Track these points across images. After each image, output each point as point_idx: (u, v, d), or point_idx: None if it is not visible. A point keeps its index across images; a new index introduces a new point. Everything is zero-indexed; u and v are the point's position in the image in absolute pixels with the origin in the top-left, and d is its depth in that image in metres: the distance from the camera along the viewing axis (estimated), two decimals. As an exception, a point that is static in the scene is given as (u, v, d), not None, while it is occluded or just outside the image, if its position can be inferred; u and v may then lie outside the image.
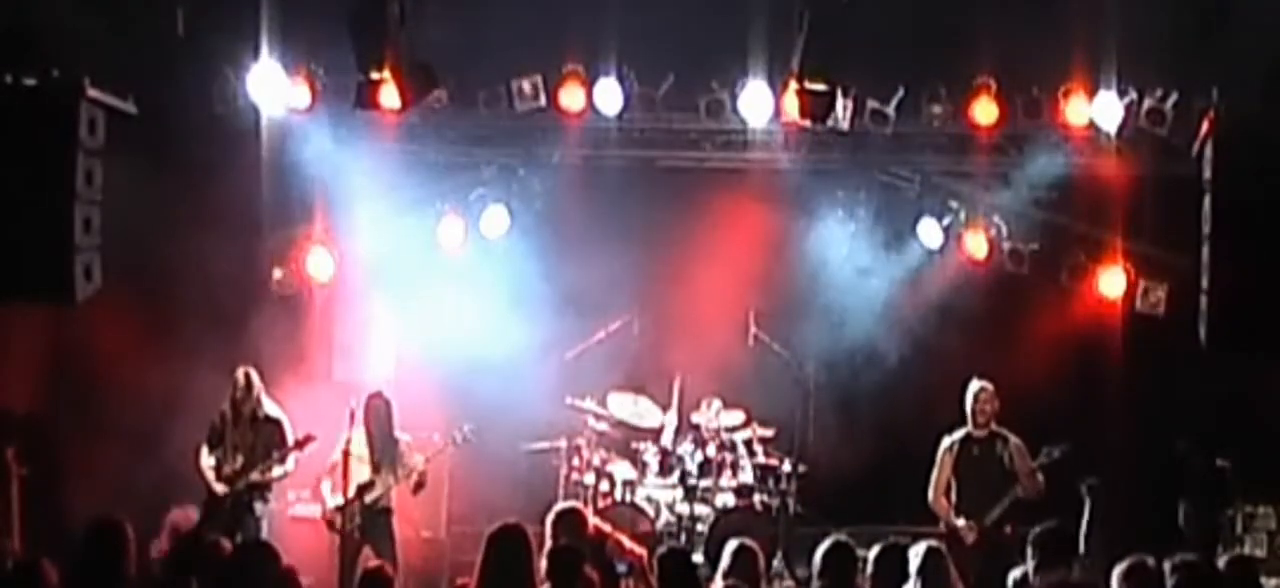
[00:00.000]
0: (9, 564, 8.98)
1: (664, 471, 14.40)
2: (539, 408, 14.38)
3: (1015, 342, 14.22)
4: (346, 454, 12.66)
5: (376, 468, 12.91)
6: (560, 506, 10.76)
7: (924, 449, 13.17)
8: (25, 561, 8.62)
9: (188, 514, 11.47)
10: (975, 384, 13.02)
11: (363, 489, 12.83)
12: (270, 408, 13.05)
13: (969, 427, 13.00)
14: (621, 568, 11.12)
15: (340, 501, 12.66)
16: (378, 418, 12.96)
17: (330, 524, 12.89)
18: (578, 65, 13.57)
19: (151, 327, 13.23)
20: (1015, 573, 9.57)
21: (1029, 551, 9.57)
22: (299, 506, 13.61)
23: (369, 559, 12.76)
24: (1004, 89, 13.60)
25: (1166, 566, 8.57)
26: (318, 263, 14.56)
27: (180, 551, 9.40)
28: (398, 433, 13.04)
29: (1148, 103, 13.53)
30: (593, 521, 11.38)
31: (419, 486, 13.05)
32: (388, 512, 12.99)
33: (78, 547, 8.65)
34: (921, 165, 14.65)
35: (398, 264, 14.56)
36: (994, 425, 12.95)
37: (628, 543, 12.24)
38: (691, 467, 14.30)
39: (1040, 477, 12.73)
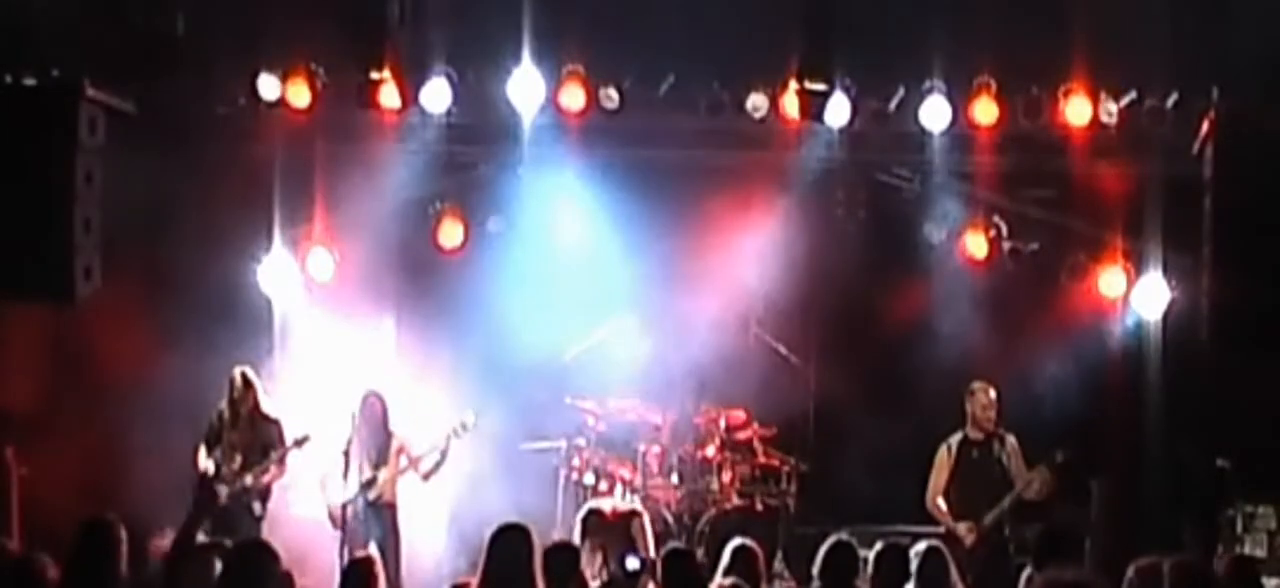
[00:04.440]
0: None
1: (664, 471, 14.40)
2: (539, 408, 14.37)
3: (1015, 342, 14.20)
4: (347, 453, 12.73)
5: (375, 465, 12.93)
6: (586, 508, 10.98)
7: (924, 449, 13.17)
8: (23, 557, 8.59)
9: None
10: (974, 386, 13.02)
11: (365, 486, 12.85)
12: (268, 408, 13.05)
13: (968, 429, 13.00)
14: (634, 564, 11.19)
15: (341, 498, 12.70)
16: (373, 416, 12.97)
17: (334, 520, 12.90)
18: (578, 65, 13.57)
19: (151, 326, 13.22)
20: (1028, 571, 9.54)
21: (1030, 552, 9.55)
22: (298, 505, 13.59)
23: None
24: (1004, 89, 13.60)
25: (1164, 566, 8.57)
26: (318, 263, 14.56)
27: (173, 547, 9.40)
28: (393, 429, 13.04)
29: (1148, 103, 13.54)
30: (612, 506, 11.51)
31: (429, 474, 13.07)
32: (391, 508, 13.01)
33: (68, 547, 8.63)
34: (921, 165, 14.64)
35: (398, 264, 14.55)
36: (992, 427, 12.95)
37: (648, 533, 12.37)
38: (692, 467, 14.30)
39: (1036, 484, 12.72)
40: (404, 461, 13.01)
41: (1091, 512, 13.79)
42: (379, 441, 12.97)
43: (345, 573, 9.04)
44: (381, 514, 12.92)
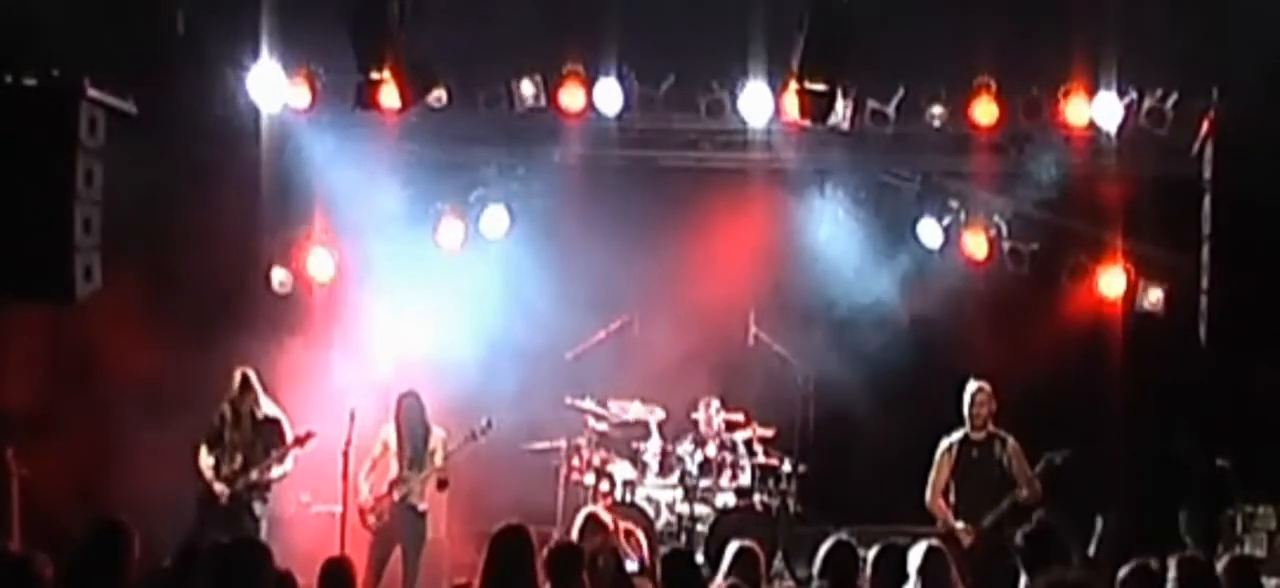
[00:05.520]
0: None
1: (664, 471, 14.41)
2: (539, 408, 14.37)
3: (1015, 342, 14.20)
4: (386, 449, 12.88)
5: (407, 465, 12.95)
6: (585, 511, 11.09)
7: (924, 449, 13.16)
8: (20, 556, 8.58)
9: None
10: (972, 385, 13.02)
11: (393, 485, 12.87)
12: (269, 408, 13.06)
13: (967, 428, 13.00)
14: (632, 566, 11.23)
15: (371, 497, 12.78)
16: (410, 415, 12.99)
17: (364, 520, 12.91)
18: (578, 65, 13.57)
19: (151, 326, 13.22)
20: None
21: (1017, 554, 9.51)
22: (317, 504, 13.59)
23: (398, 560, 12.87)
24: (1004, 89, 13.59)
25: (1171, 562, 8.58)
26: (318, 263, 14.56)
27: (179, 552, 9.38)
28: (433, 428, 13.07)
29: (1148, 103, 13.54)
30: (612, 518, 11.57)
31: (442, 484, 13.08)
32: (421, 513, 13.02)
33: (78, 547, 8.63)
34: (921, 165, 14.64)
35: (398, 264, 14.55)
36: (991, 427, 12.95)
37: (643, 543, 12.41)
38: (691, 467, 14.31)
39: (1028, 490, 12.73)
40: (440, 458, 12.98)
41: (1094, 546, 13.78)
42: (418, 439, 12.98)
43: (322, 573, 9.00)
44: (409, 517, 12.94)
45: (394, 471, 12.98)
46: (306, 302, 14.63)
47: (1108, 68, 13.41)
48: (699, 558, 12.49)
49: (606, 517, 11.70)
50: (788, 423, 14.56)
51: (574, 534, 11.35)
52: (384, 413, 13.22)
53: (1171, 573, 8.48)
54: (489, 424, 13.06)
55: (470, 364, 14.07)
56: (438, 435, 13.06)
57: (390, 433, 13.01)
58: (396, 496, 12.91)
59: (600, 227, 14.39)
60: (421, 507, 13.03)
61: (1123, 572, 8.65)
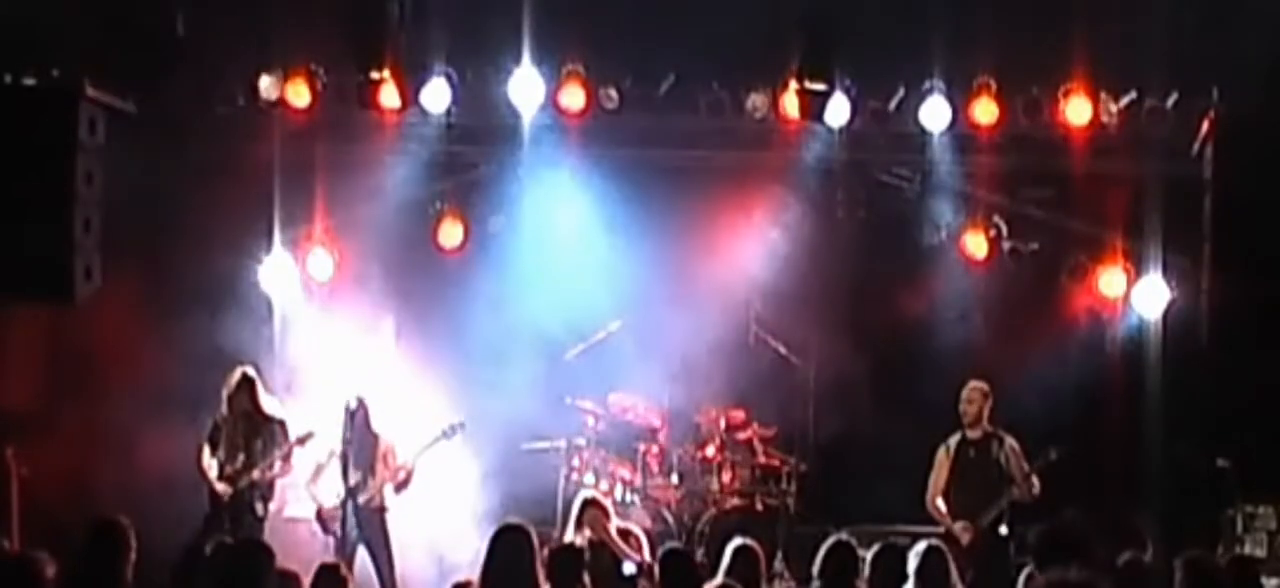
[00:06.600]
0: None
1: (664, 471, 14.40)
2: (539, 408, 14.36)
3: (1015, 342, 14.20)
4: (334, 455, 12.80)
5: (361, 469, 12.91)
6: (585, 494, 11.05)
7: (924, 449, 13.17)
8: (22, 555, 8.59)
9: None
10: (967, 385, 13.03)
11: (354, 490, 12.84)
12: (270, 407, 13.05)
13: (965, 429, 13.00)
14: (630, 569, 11.22)
15: (332, 501, 12.72)
16: (357, 421, 12.94)
17: (325, 525, 12.90)
18: (577, 65, 13.58)
19: (151, 326, 13.23)
20: (1027, 570, 9.53)
21: (1031, 553, 9.52)
22: (292, 507, 13.58)
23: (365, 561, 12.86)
24: (1004, 89, 13.60)
25: (1177, 563, 8.60)
26: (318, 263, 14.56)
27: (183, 552, 9.41)
28: (380, 433, 13.01)
29: (1148, 103, 13.55)
30: (613, 519, 11.56)
31: (403, 484, 13.05)
32: (382, 511, 13.01)
33: (78, 547, 8.64)
34: (921, 165, 14.64)
35: (398, 264, 14.55)
36: (989, 426, 12.96)
37: (644, 543, 12.41)
38: (692, 467, 14.30)
39: (1035, 480, 12.73)
40: (387, 468, 12.96)
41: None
42: (366, 444, 12.96)
43: (315, 580, 9.00)
44: (371, 518, 12.93)
45: (338, 473, 12.86)
46: (306, 302, 14.61)
47: (1108, 68, 13.42)
48: (699, 558, 12.49)
49: (605, 501, 11.71)
50: (788, 423, 14.56)
51: (572, 516, 11.37)
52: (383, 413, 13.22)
53: (1178, 575, 8.51)
54: (460, 425, 13.05)
55: (470, 364, 14.07)
56: (386, 442, 13.02)
57: (337, 438, 12.91)
58: (360, 499, 12.86)
59: (600, 226, 14.39)
60: (381, 506, 12.97)
61: (1120, 561, 8.68)
